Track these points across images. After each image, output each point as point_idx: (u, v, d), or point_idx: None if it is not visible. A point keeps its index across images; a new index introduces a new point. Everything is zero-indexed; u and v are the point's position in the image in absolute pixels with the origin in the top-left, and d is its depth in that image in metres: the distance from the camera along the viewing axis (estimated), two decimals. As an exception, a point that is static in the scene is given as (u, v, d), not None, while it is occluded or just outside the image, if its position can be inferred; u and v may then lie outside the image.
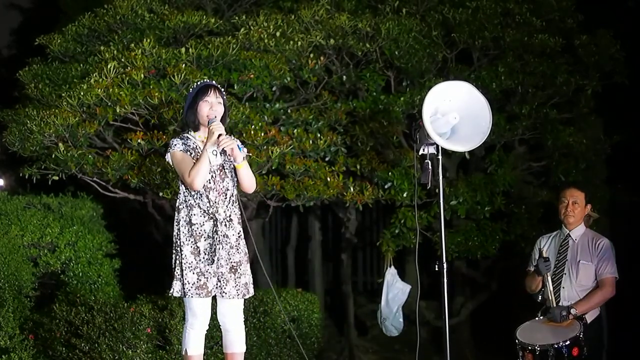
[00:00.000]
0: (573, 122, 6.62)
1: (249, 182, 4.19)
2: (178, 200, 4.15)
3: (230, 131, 5.37)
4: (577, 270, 4.63)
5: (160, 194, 5.79)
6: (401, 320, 6.27)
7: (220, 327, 4.27)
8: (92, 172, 5.85)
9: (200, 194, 4.08)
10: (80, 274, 6.06)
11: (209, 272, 4.06)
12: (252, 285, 4.22)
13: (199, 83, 4.24)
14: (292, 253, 8.74)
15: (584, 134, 6.52)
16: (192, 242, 4.06)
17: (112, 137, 6.16)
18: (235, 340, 4.23)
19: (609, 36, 6.56)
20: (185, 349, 4.14)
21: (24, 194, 6.87)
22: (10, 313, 4.87)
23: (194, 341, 4.14)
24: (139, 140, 5.60)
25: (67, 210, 6.58)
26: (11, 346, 4.68)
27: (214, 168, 4.09)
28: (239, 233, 4.16)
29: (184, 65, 5.66)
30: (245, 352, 4.30)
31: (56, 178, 5.99)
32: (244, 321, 4.30)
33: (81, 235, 6.25)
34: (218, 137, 3.99)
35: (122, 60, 5.72)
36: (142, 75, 5.59)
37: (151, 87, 5.61)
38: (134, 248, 9.31)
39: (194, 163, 4.01)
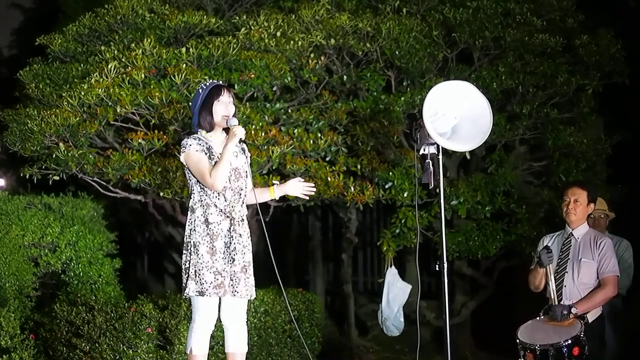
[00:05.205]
0: (573, 122, 6.62)
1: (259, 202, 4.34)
2: (192, 201, 4.12)
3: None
4: (578, 268, 4.63)
5: (161, 194, 5.79)
6: (402, 320, 6.28)
7: (223, 326, 4.26)
8: (93, 172, 5.85)
9: (217, 194, 4.07)
10: (81, 274, 6.06)
11: (226, 271, 4.06)
12: (254, 288, 4.22)
13: (207, 84, 4.21)
14: (292, 253, 8.75)
15: (584, 134, 6.52)
16: (208, 241, 4.06)
17: (112, 137, 6.17)
18: (238, 340, 4.22)
19: (609, 36, 6.55)
20: (190, 348, 4.12)
21: (25, 194, 6.86)
22: (11, 313, 4.87)
23: (200, 341, 4.13)
24: (139, 140, 5.61)
25: (68, 210, 6.58)
26: (12, 346, 4.68)
27: (231, 167, 4.10)
28: (248, 234, 4.20)
29: (184, 65, 5.67)
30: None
31: (57, 178, 6.00)
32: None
33: (82, 235, 6.24)
34: (240, 141, 4.05)
35: (123, 60, 5.73)
36: (143, 75, 5.60)
37: (152, 87, 5.62)
38: (134, 248, 9.33)
39: (215, 164, 4.02)
